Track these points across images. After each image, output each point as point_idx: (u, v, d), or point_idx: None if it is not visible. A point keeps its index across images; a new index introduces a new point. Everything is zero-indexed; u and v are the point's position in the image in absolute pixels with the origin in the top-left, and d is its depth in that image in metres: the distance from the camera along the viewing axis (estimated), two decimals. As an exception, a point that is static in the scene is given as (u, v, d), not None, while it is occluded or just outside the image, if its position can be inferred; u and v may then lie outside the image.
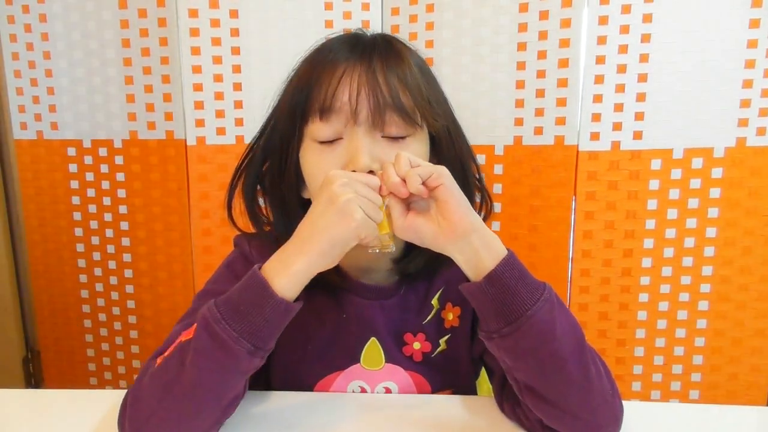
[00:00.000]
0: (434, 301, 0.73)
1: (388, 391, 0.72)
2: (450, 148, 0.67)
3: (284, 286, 0.55)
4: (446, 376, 0.73)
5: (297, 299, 0.56)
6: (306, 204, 0.63)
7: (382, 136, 0.62)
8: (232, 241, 0.76)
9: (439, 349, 0.73)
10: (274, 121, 0.68)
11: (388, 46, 0.65)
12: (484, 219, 0.69)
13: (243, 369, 0.56)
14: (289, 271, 0.55)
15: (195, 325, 0.56)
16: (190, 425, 0.57)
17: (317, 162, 0.63)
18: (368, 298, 0.70)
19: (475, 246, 0.57)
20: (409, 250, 0.69)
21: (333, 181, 0.55)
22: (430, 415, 0.67)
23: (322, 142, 0.63)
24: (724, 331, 1.34)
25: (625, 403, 0.63)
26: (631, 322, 1.35)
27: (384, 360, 0.71)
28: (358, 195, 0.55)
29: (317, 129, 0.62)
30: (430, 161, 0.64)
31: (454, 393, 0.74)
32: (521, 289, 0.56)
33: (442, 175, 0.56)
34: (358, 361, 0.71)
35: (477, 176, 0.72)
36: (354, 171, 0.60)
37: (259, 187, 0.71)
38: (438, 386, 0.74)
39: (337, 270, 0.68)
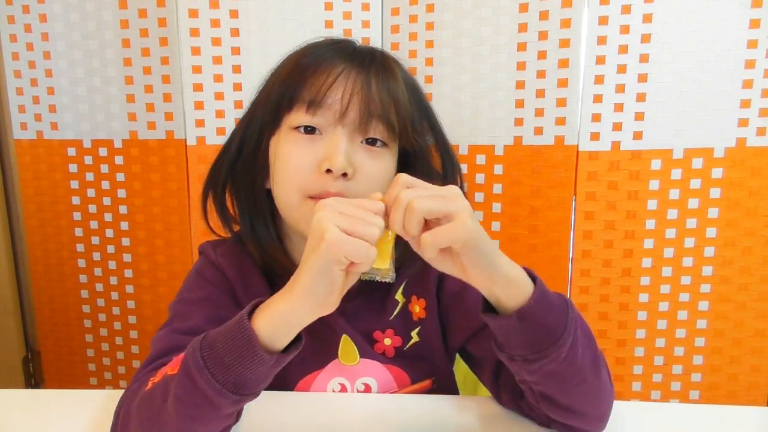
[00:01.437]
0: (398, 296, 0.73)
1: (367, 387, 0.71)
2: (424, 165, 0.67)
3: (271, 335, 0.49)
4: (424, 366, 0.73)
5: (297, 339, 0.51)
6: (271, 199, 0.65)
7: (361, 142, 0.63)
8: (197, 249, 0.76)
9: (411, 342, 0.73)
10: (254, 113, 0.68)
11: (384, 60, 0.66)
12: None
13: (228, 413, 0.53)
14: (274, 318, 0.49)
15: (180, 360, 0.52)
16: None
17: (292, 152, 0.62)
18: None
19: (497, 293, 0.53)
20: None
21: (318, 207, 0.49)
22: (427, 415, 0.67)
23: (300, 132, 0.62)
24: (724, 331, 1.34)
25: (625, 403, 0.63)
26: (631, 322, 1.35)
27: (359, 356, 0.71)
28: (336, 211, 0.48)
29: (300, 118, 0.62)
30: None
31: (434, 382, 0.74)
32: (551, 320, 0.53)
33: (464, 239, 0.49)
34: (336, 356, 0.71)
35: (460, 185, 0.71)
36: (328, 171, 0.60)
37: (229, 183, 0.71)
38: (418, 377, 0.73)
39: (291, 263, 0.69)
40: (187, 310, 0.67)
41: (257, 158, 0.67)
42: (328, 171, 0.60)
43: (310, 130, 0.62)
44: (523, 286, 0.53)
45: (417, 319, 0.73)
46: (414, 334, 0.73)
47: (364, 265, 0.48)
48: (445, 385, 0.75)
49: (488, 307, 0.55)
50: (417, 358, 0.73)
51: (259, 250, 0.68)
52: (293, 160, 0.62)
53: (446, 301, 0.73)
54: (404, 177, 0.51)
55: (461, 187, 0.65)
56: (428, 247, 0.49)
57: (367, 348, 0.72)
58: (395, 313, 0.73)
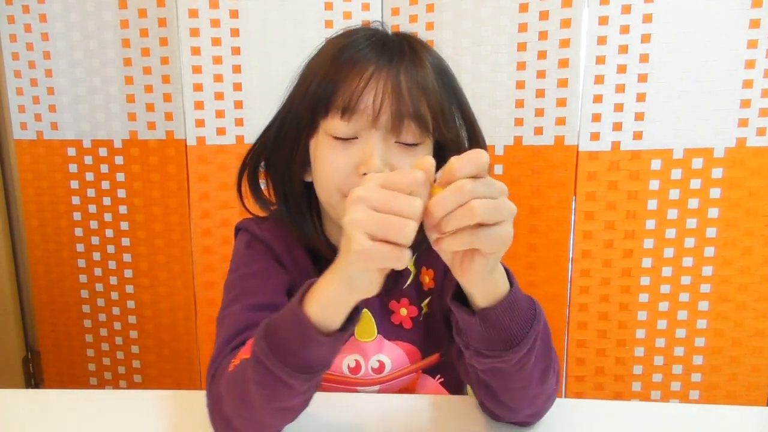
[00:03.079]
0: (410, 266, 0.74)
1: (381, 365, 0.72)
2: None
3: (324, 319, 0.50)
4: (434, 339, 0.74)
5: (353, 313, 0.52)
6: (308, 186, 0.67)
7: (396, 142, 0.63)
8: (235, 227, 0.77)
9: (423, 313, 0.74)
10: (292, 107, 0.69)
11: (413, 53, 0.66)
12: None
13: (306, 389, 0.55)
14: (322, 303, 0.50)
15: (250, 345, 0.55)
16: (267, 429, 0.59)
17: (329, 157, 0.64)
18: None
19: (475, 290, 0.53)
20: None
21: (349, 202, 0.46)
22: (426, 415, 0.67)
23: (337, 138, 0.63)
24: (724, 331, 1.34)
25: (625, 403, 0.64)
26: (631, 322, 1.35)
27: (376, 331, 0.72)
28: (368, 209, 0.44)
29: (336, 126, 0.63)
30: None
31: (442, 356, 0.75)
32: (513, 328, 0.53)
33: (496, 252, 0.47)
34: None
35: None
36: (365, 174, 0.60)
37: (263, 170, 0.72)
38: (428, 351, 0.74)
39: (330, 245, 0.70)
40: (252, 285, 0.67)
41: (296, 154, 0.68)
42: (365, 174, 0.60)
43: (347, 138, 0.63)
44: (499, 291, 0.52)
45: (427, 290, 0.74)
46: (424, 305, 0.73)
47: (400, 265, 0.45)
48: (450, 358, 0.74)
49: (458, 294, 0.54)
50: (428, 329, 0.73)
51: (299, 234, 0.70)
52: (331, 165, 0.63)
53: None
54: (460, 162, 0.45)
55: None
56: (458, 246, 0.46)
57: (385, 321, 0.73)
58: (408, 282, 0.74)
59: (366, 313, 0.72)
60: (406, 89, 0.62)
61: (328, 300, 0.50)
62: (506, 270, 0.54)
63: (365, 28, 0.69)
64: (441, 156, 0.67)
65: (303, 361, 0.51)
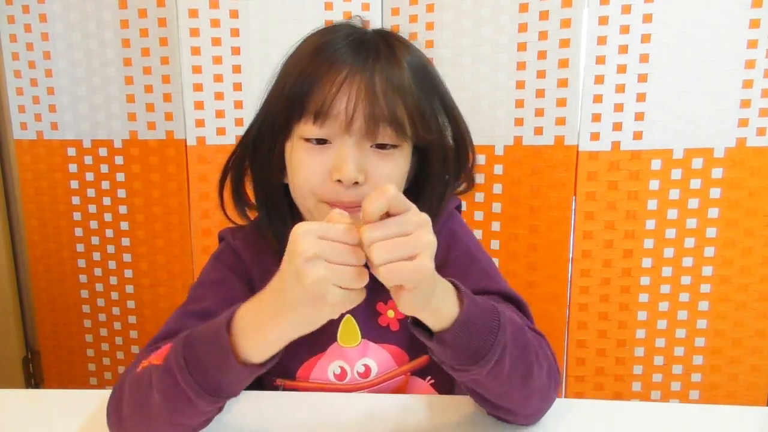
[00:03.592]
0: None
1: (367, 369, 0.71)
2: (439, 160, 0.66)
3: (251, 351, 0.50)
4: (420, 342, 0.71)
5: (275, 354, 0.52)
6: (288, 189, 0.66)
7: (371, 146, 0.62)
8: (218, 235, 0.77)
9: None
10: (268, 109, 0.68)
11: (390, 52, 0.64)
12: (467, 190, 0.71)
13: (208, 410, 0.54)
14: (258, 339, 0.50)
15: (165, 351, 0.54)
16: None
17: (304, 161, 0.63)
18: None
19: (422, 318, 0.53)
20: None
21: (298, 252, 0.46)
22: (426, 415, 0.67)
23: (309, 141, 0.62)
24: (724, 331, 1.34)
25: (625, 403, 0.63)
26: (631, 322, 1.35)
27: (360, 336, 0.71)
28: (332, 268, 0.46)
29: (309, 130, 0.62)
30: (417, 170, 0.66)
31: (430, 358, 0.73)
32: (472, 344, 0.53)
33: (417, 287, 0.48)
34: (335, 339, 0.71)
35: (471, 164, 0.71)
36: (339, 181, 0.60)
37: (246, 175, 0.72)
38: (415, 353, 0.73)
39: None
40: (201, 292, 0.69)
41: (272, 157, 0.67)
42: (339, 181, 0.61)
43: (320, 141, 0.62)
44: (448, 316, 0.52)
45: None
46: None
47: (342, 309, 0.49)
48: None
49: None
50: (418, 329, 0.72)
51: (277, 239, 0.68)
52: (306, 169, 0.62)
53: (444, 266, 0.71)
54: (368, 204, 0.46)
55: (471, 179, 0.69)
56: (384, 280, 0.47)
57: (371, 323, 0.71)
58: None
59: (349, 319, 0.71)
60: (381, 92, 0.60)
61: (264, 336, 0.50)
62: (456, 287, 0.54)
63: (345, 25, 0.69)
64: (425, 157, 0.67)
65: (213, 384, 0.51)
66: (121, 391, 0.58)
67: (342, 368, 0.71)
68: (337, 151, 0.61)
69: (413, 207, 0.48)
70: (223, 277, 0.70)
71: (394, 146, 0.63)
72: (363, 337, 0.71)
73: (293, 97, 0.63)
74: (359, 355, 0.71)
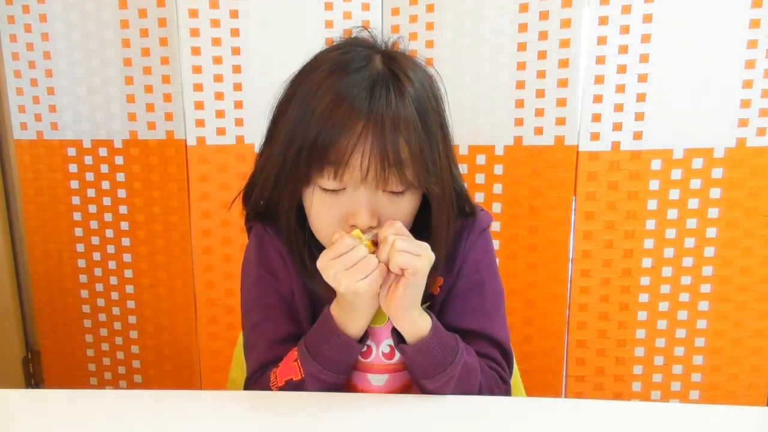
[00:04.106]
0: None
1: (391, 350, 0.75)
2: (440, 205, 0.72)
3: (355, 333, 0.71)
4: None
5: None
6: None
7: (384, 191, 0.68)
8: (246, 225, 0.81)
9: None
10: (287, 151, 0.69)
11: (398, 93, 0.66)
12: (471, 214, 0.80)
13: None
14: (353, 324, 0.70)
15: (293, 364, 0.71)
16: None
17: (322, 210, 0.70)
18: None
19: (400, 327, 0.70)
20: None
21: (326, 277, 0.66)
22: (426, 415, 0.67)
23: (327, 191, 0.68)
24: (724, 331, 1.34)
25: (625, 403, 0.64)
26: (631, 322, 1.35)
27: (387, 317, 0.74)
28: (349, 273, 0.64)
29: (328, 183, 0.67)
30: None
31: None
32: (426, 365, 0.69)
33: (416, 273, 0.65)
34: None
35: (465, 196, 0.78)
36: (353, 226, 0.67)
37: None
38: None
39: None
40: (272, 314, 0.78)
41: (293, 200, 0.72)
42: (354, 226, 0.67)
43: (337, 190, 0.68)
44: (417, 335, 0.69)
45: (430, 294, 0.76)
46: (424, 307, 0.74)
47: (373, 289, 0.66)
48: None
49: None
50: (396, 334, 0.75)
51: (295, 254, 0.76)
52: (325, 218, 0.70)
53: (455, 289, 0.77)
54: (396, 223, 0.66)
55: (471, 205, 0.79)
56: (395, 262, 0.64)
57: None
58: None
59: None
60: (390, 144, 0.65)
61: (354, 321, 0.70)
62: (435, 327, 0.69)
63: (358, 55, 0.69)
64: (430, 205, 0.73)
65: (344, 367, 0.71)
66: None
67: (369, 347, 0.75)
68: (352, 198, 0.67)
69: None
70: (278, 288, 0.78)
71: (404, 191, 0.68)
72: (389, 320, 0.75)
73: (314, 152, 0.66)
74: (385, 335, 0.75)
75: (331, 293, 0.70)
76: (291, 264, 0.76)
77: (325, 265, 0.65)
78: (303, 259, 0.74)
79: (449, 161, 0.73)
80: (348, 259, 0.64)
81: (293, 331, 0.76)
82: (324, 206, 0.69)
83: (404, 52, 0.74)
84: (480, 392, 0.72)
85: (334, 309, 0.71)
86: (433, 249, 0.68)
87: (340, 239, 0.65)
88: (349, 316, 0.70)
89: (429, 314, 0.70)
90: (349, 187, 0.67)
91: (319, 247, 0.72)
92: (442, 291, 0.77)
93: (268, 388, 0.73)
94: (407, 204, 0.70)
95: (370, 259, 0.64)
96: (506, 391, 0.77)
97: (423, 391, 0.72)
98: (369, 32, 0.74)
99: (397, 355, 0.75)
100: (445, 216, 0.73)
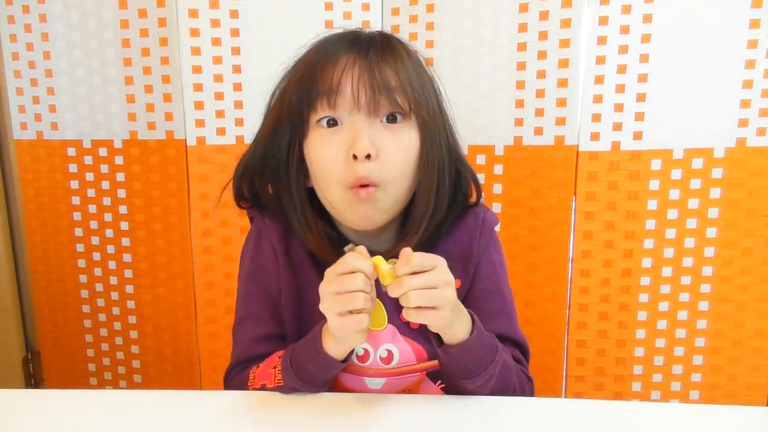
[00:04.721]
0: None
1: (390, 355, 0.74)
2: (435, 137, 0.72)
3: (335, 354, 0.68)
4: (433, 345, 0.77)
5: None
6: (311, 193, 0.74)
7: (381, 121, 0.68)
8: (249, 215, 0.81)
9: None
10: (280, 113, 0.72)
11: (385, 42, 0.71)
12: (476, 203, 0.80)
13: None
14: (335, 349, 0.67)
15: (272, 371, 0.71)
16: None
17: (322, 149, 0.69)
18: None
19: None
20: (412, 219, 0.74)
21: (323, 309, 0.63)
22: (425, 415, 0.67)
23: (322, 125, 0.69)
24: (724, 331, 1.34)
25: (625, 403, 0.64)
26: (631, 322, 1.35)
27: (387, 321, 0.74)
28: (332, 297, 0.61)
29: (322, 112, 0.68)
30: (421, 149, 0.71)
31: None
32: (468, 365, 0.67)
33: (440, 307, 0.62)
34: None
35: (465, 166, 0.78)
36: (354, 156, 0.66)
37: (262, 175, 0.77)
38: (433, 354, 0.75)
39: (342, 234, 0.77)
40: (257, 311, 0.78)
41: (292, 163, 0.72)
42: (355, 157, 0.66)
43: (332, 123, 0.69)
44: (459, 337, 0.66)
45: None
46: None
47: (363, 325, 0.62)
48: None
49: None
50: (430, 334, 0.74)
51: (303, 239, 0.75)
52: (325, 155, 0.69)
53: (473, 291, 0.78)
54: (413, 259, 0.60)
55: (476, 190, 0.78)
56: (411, 317, 0.62)
57: (395, 314, 0.74)
58: None
59: (379, 304, 0.73)
60: (377, 68, 0.67)
61: (336, 349, 0.67)
62: (473, 319, 0.67)
63: (341, 32, 0.74)
64: (430, 139, 0.72)
65: (321, 382, 0.70)
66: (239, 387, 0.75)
67: (366, 350, 0.75)
68: (349, 129, 0.68)
69: (439, 265, 0.61)
70: (266, 285, 0.77)
71: (402, 118, 0.69)
72: (389, 323, 0.75)
73: (302, 90, 0.68)
74: (385, 339, 0.75)
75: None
76: (282, 260, 0.76)
77: (324, 285, 0.62)
78: (308, 224, 0.73)
79: (445, 119, 0.75)
80: (341, 284, 0.60)
81: (276, 330, 0.76)
82: (323, 143, 0.69)
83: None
84: (514, 392, 0.72)
85: (326, 326, 0.68)
86: (426, 189, 0.69)
87: (348, 257, 0.61)
88: (338, 339, 0.66)
89: (468, 312, 0.68)
90: (345, 118, 0.68)
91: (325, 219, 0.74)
92: (460, 293, 0.76)
93: (246, 386, 0.73)
94: (405, 136, 0.69)
95: (357, 296, 0.60)
96: (532, 391, 0.77)
97: (461, 392, 0.70)
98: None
99: (395, 359, 0.74)
100: (435, 156, 0.71)
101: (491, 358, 0.68)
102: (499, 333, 0.74)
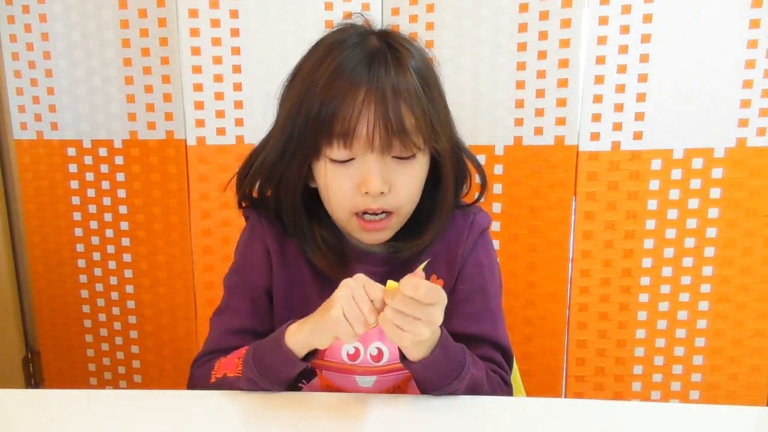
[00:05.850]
0: (421, 269, 0.75)
1: (380, 352, 0.75)
2: (450, 162, 0.74)
3: (297, 350, 0.68)
4: None
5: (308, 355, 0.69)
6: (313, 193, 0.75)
7: (392, 157, 0.69)
8: (243, 214, 0.83)
9: None
10: (292, 130, 0.71)
11: (397, 62, 0.69)
12: (478, 199, 0.83)
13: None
14: (299, 343, 0.67)
15: (236, 361, 0.71)
16: None
17: (335, 182, 0.71)
18: (361, 262, 0.77)
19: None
20: (408, 231, 0.75)
21: (341, 285, 0.63)
22: (425, 415, 0.67)
23: (337, 162, 0.69)
24: (724, 331, 1.34)
25: (625, 403, 0.64)
26: (631, 322, 1.35)
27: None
28: (350, 295, 0.62)
29: (337, 153, 0.69)
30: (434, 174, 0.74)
31: None
32: (434, 378, 0.68)
33: (429, 326, 0.62)
34: None
35: (477, 168, 0.81)
36: (367, 193, 0.68)
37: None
38: None
39: (339, 235, 0.78)
40: (236, 304, 0.79)
41: (302, 174, 0.73)
42: (367, 193, 0.68)
43: (347, 161, 0.69)
44: (418, 357, 0.67)
45: None
46: None
47: (347, 339, 0.63)
48: None
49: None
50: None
51: (300, 240, 0.76)
52: (338, 189, 0.71)
53: (456, 292, 0.77)
54: (420, 290, 0.60)
55: (482, 185, 0.82)
56: (389, 336, 0.62)
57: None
58: None
59: None
60: (392, 110, 0.67)
61: (300, 342, 0.67)
62: (442, 347, 0.67)
63: (351, 32, 0.73)
64: (439, 164, 0.74)
65: (284, 378, 0.70)
66: (199, 385, 0.75)
67: (356, 348, 0.75)
68: (362, 166, 0.69)
69: (438, 303, 0.62)
70: (249, 281, 0.79)
71: (412, 156, 0.70)
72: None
73: (319, 124, 0.68)
74: (374, 338, 0.75)
75: (331, 271, 0.73)
76: (276, 258, 0.77)
77: (353, 281, 0.63)
78: (304, 233, 0.75)
79: (451, 127, 0.76)
80: (360, 297, 0.62)
81: (252, 325, 0.77)
82: (336, 177, 0.70)
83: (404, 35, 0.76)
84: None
85: (298, 325, 0.68)
86: (440, 212, 0.72)
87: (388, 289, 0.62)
88: (310, 338, 0.67)
89: (440, 328, 0.68)
90: (359, 155, 0.69)
91: (325, 222, 0.75)
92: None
93: (209, 374, 0.74)
94: (416, 168, 0.71)
95: (360, 319, 0.61)
96: (509, 393, 0.77)
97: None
98: (363, 16, 0.78)
99: (385, 357, 0.75)
100: (452, 173, 0.74)
101: (456, 373, 0.68)
102: (480, 335, 0.75)
